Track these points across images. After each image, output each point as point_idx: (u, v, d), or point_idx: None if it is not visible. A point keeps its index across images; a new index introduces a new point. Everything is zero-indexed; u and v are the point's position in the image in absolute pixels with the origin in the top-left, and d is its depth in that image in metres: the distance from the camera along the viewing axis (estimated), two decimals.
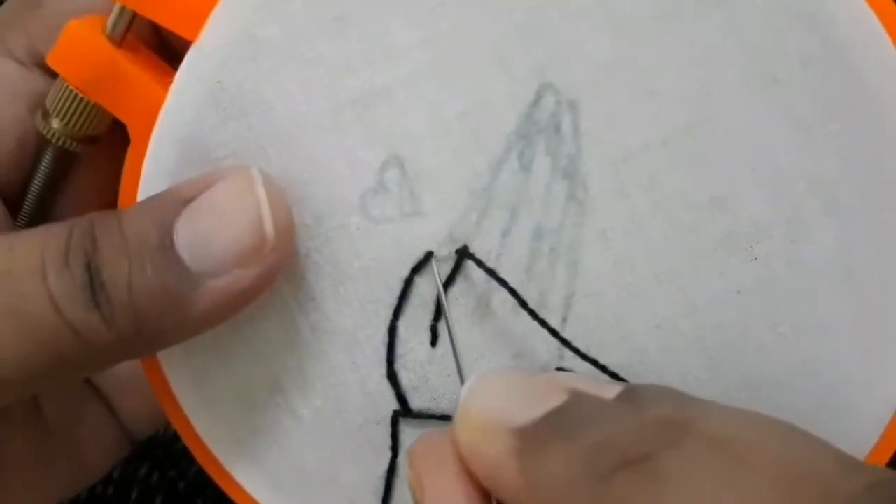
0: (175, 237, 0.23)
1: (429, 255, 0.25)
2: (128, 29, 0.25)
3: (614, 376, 0.26)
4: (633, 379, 0.26)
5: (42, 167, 0.27)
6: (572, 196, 0.25)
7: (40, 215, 0.28)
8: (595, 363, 0.26)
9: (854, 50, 0.24)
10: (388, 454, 0.27)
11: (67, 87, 0.26)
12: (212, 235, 0.23)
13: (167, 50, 0.27)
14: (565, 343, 0.25)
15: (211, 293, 0.23)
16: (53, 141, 0.26)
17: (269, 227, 0.23)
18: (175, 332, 0.24)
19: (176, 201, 0.24)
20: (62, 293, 0.23)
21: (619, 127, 0.25)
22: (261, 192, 0.24)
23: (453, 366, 0.26)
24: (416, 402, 0.26)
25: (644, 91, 0.24)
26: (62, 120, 0.26)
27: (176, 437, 0.38)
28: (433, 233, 0.25)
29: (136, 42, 0.26)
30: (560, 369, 0.26)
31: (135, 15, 0.25)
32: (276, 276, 0.25)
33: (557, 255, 0.25)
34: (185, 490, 0.38)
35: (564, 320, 0.26)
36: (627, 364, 0.26)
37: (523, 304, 0.25)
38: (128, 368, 0.28)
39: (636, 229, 0.25)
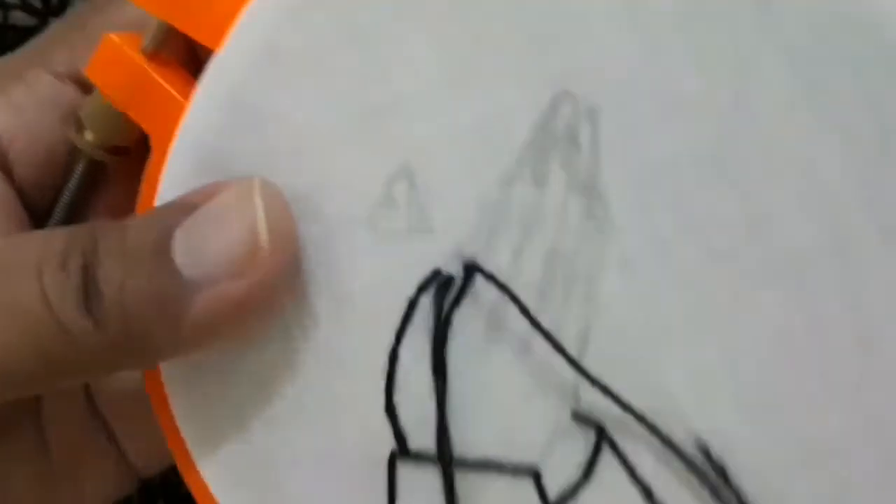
0: (173, 243, 0.23)
1: (435, 274, 0.24)
2: (163, 44, 0.26)
3: (638, 417, 0.23)
4: (660, 426, 0.22)
5: (74, 177, 0.28)
6: (590, 215, 0.23)
7: (68, 225, 0.28)
8: (616, 398, 0.23)
9: None
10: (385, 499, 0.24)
11: (101, 98, 0.26)
12: (206, 242, 0.23)
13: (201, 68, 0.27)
14: (582, 372, 0.23)
15: (203, 301, 0.23)
16: (86, 151, 0.27)
17: (263, 235, 0.23)
18: (167, 340, 0.23)
19: (181, 208, 0.24)
20: (55, 292, 0.23)
21: (642, 138, 0.22)
22: (258, 199, 0.23)
23: (459, 398, 0.23)
24: (417, 441, 0.24)
25: (671, 99, 0.22)
26: (94, 131, 0.27)
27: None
28: (441, 250, 0.24)
29: (170, 58, 0.27)
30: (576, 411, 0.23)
31: (170, 31, 0.26)
32: (273, 288, 0.23)
33: (573, 282, 0.23)
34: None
35: (581, 356, 0.23)
36: (651, 410, 0.23)
37: (536, 324, 0.23)
38: (135, 403, 0.28)
39: (662, 255, 0.22)
